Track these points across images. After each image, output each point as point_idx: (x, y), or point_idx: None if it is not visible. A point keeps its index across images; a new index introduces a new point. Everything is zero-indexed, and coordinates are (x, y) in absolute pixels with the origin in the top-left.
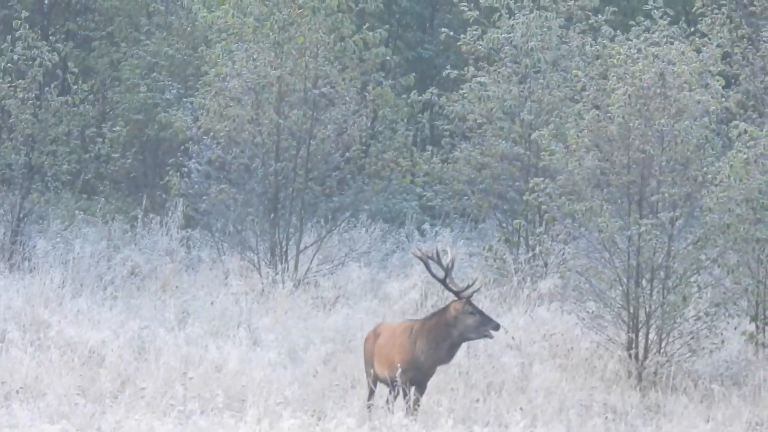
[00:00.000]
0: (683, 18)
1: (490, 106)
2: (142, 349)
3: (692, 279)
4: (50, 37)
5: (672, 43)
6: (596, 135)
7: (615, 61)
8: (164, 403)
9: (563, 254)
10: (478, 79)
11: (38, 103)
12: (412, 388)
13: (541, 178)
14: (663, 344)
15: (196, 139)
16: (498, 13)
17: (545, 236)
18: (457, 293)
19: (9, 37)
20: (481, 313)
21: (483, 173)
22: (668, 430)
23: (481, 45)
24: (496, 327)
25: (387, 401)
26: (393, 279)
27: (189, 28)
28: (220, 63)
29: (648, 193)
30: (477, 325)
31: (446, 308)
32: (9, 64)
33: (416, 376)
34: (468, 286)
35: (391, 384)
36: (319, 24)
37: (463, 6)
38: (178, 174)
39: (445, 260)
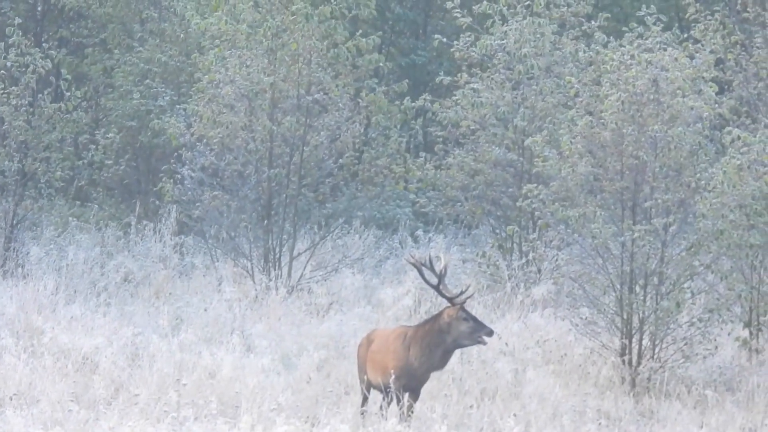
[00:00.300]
0: (676, 24)
1: (483, 113)
2: (136, 356)
3: (686, 285)
4: (43, 44)
5: (665, 50)
6: (589, 141)
7: (608, 67)
8: (158, 410)
9: (557, 260)
10: (472, 85)
11: (31, 109)
12: (406, 395)
13: (535, 185)
14: (656, 350)
15: (189, 146)
16: (491, 20)
17: (539, 242)
18: (450, 299)
19: (2, 44)
20: (474, 319)
21: (476, 179)
22: None
23: (474, 51)
24: (490, 333)
25: (380, 407)
26: (386, 285)
27: (182, 35)
28: (213, 70)
29: (641, 199)
30: (470, 332)
31: (440, 314)
32: (2, 71)
33: (410, 383)
34: (461, 293)
35: (385, 390)
36: (313, 30)
37: (456, 13)
38: (172, 181)
39: (439, 266)
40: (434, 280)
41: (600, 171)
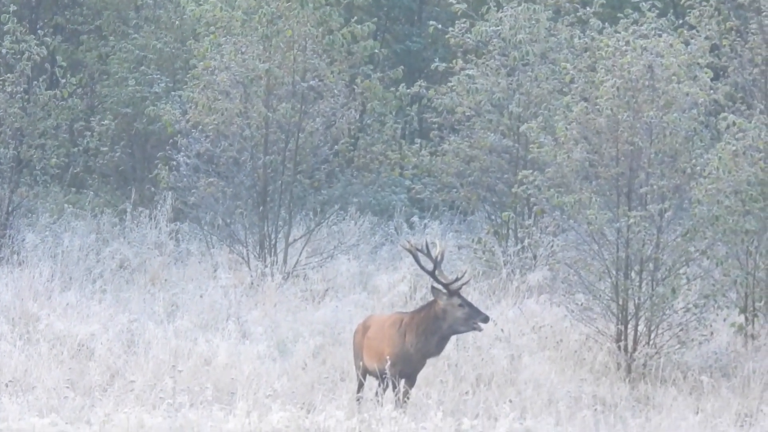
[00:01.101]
0: (671, 10)
1: (478, 99)
2: (132, 343)
3: (681, 271)
4: (38, 31)
5: (660, 36)
6: (585, 127)
7: (603, 53)
8: (153, 396)
9: (552, 246)
10: (467, 71)
11: (27, 96)
12: (402, 381)
13: (530, 171)
14: (652, 336)
15: (184, 133)
16: (486, 6)
17: (534, 228)
18: (446, 286)
19: None
20: (470, 305)
21: (472, 166)
22: (657, 422)
23: (469, 38)
24: (485, 319)
25: (376, 394)
26: (382, 272)
27: (177, 22)
28: (208, 56)
29: (637, 185)
30: (466, 318)
31: (435, 301)
32: None
33: (405, 369)
34: (457, 279)
35: (381, 377)
36: (308, 17)
37: None
38: (167, 167)
39: (434, 253)
40: (430, 267)
41: (595, 157)
